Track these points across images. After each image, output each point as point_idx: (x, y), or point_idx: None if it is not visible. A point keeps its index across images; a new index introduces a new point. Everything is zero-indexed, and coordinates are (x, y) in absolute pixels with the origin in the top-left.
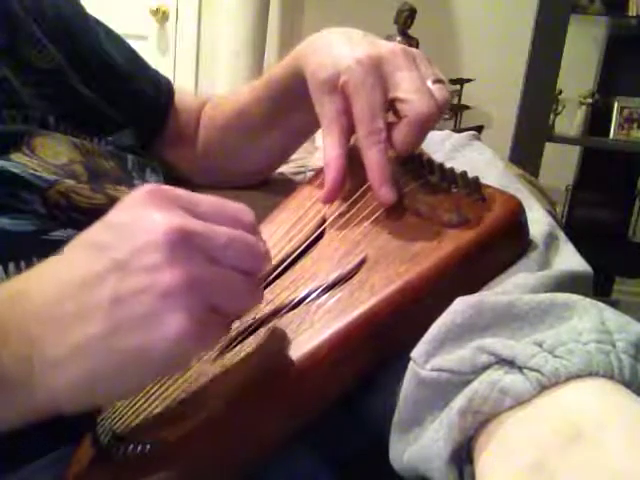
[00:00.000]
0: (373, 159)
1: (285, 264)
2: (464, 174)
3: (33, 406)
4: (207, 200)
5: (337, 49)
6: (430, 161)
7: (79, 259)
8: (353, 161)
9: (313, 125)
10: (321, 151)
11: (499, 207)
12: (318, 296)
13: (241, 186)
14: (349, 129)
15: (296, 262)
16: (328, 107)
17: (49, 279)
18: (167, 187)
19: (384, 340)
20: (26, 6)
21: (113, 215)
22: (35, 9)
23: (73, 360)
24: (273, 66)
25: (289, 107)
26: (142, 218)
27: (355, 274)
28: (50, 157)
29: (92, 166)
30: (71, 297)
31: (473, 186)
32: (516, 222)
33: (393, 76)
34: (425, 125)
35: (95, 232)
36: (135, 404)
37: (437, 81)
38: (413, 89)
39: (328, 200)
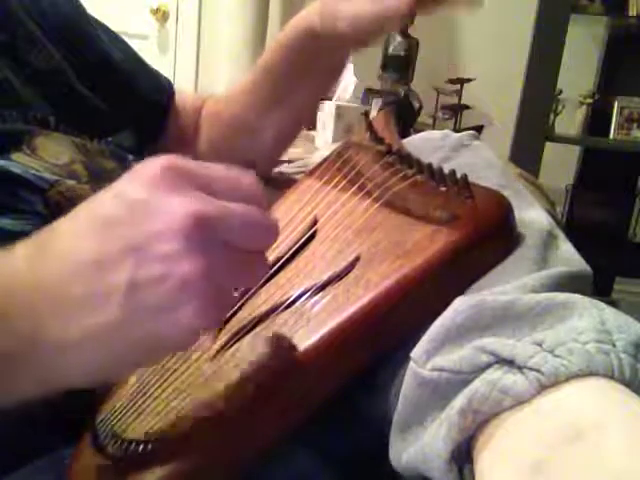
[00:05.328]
0: None
1: (279, 264)
2: (452, 173)
3: (39, 377)
4: (222, 177)
5: None
6: (419, 161)
7: (90, 236)
8: (344, 161)
9: (318, 94)
10: (321, 151)
11: (487, 204)
12: (313, 294)
13: None
14: None
15: (290, 261)
16: None
17: (60, 255)
18: (182, 163)
19: (381, 336)
20: (26, 6)
21: (124, 188)
22: (35, 9)
23: (84, 345)
24: (278, 34)
25: (300, 71)
26: (159, 201)
27: (349, 272)
28: (51, 157)
29: (93, 166)
30: (84, 278)
31: (461, 184)
32: (504, 218)
33: None
34: None
35: (105, 205)
36: (135, 404)
37: None
38: None
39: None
